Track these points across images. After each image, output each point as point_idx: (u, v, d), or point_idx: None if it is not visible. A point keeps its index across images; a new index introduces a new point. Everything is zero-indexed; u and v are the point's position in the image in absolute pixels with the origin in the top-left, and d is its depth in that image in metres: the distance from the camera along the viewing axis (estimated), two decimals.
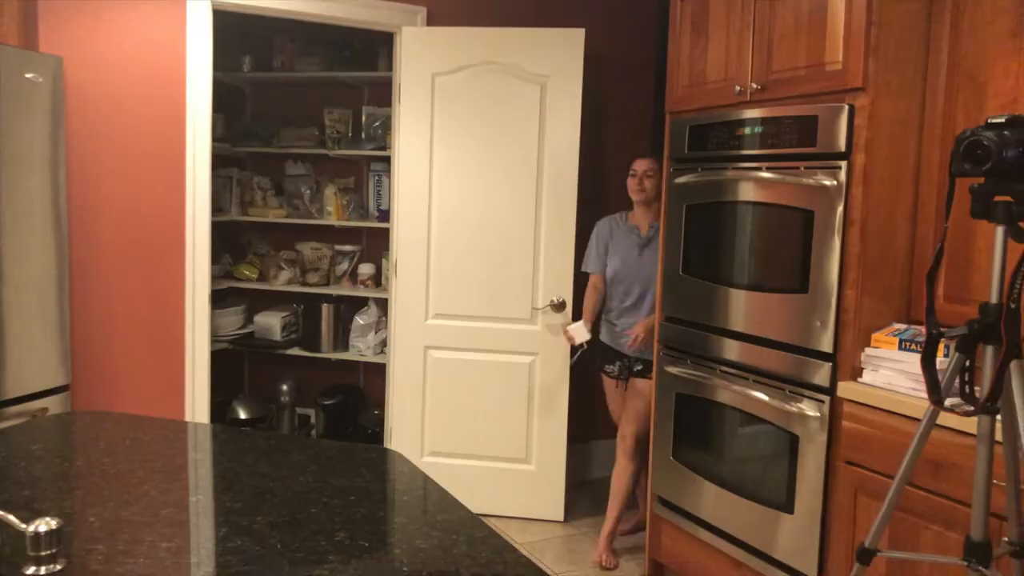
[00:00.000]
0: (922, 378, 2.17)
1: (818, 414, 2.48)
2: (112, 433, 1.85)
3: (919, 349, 2.24)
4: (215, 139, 3.57)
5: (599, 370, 3.67)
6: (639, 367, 3.47)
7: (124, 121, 3.31)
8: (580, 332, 3.53)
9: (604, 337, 3.61)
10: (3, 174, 2.67)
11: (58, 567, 1.15)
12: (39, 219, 2.82)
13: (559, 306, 3.71)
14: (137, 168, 3.35)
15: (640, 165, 3.46)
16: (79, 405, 3.22)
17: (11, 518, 1.15)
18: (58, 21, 3.15)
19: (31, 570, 1.13)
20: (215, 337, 3.97)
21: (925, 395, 2.17)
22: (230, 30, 4.14)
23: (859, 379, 2.41)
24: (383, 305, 4.26)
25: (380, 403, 4.23)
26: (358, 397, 4.52)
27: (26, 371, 2.79)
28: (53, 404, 2.87)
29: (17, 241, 2.73)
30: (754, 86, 2.74)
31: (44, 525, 1.13)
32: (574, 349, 3.64)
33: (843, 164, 2.42)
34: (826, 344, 2.47)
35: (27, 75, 2.73)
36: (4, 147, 2.67)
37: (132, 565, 1.19)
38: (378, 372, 4.40)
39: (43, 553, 1.13)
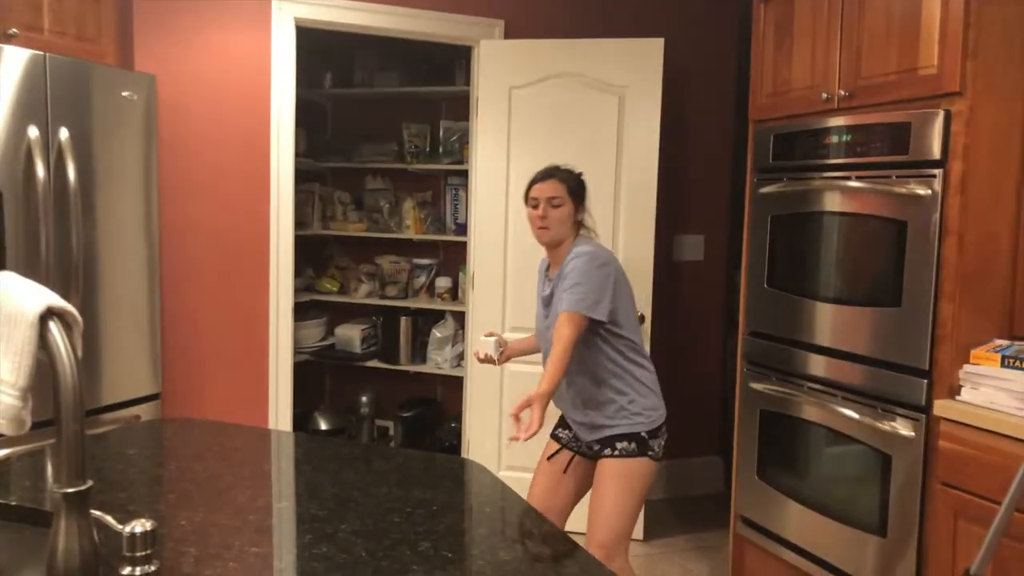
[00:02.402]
0: None
1: (912, 433, 2.37)
2: (201, 439, 1.89)
3: None
4: (298, 154, 3.65)
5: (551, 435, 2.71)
6: (597, 447, 2.48)
7: (212, 137, 3.42)
8: (482, 344, 2.66)
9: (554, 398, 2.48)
10: (100, 189, 2.78)
11: (152, 568, 1.17)
12: (132, 233, 2.92)
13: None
14: (224, 183, 3.46)
15: (540, 190, 2.49)
16: (168, 413, 3.32)
17: (108, 519, 1.18)
18: (152, 40, 3.28)
19: (127, 570, 1.15)
20: (297, 349, 4.04)
21: None
22: (312, 47, 4.24)
23: (957, 397, 2.30)
24: (460, 318, 4.28)
25: (457, 416, 4.24)
26: (435, 410, 4.55)
27: (120, 379, 2.89)
28: (145, 411, 2.96)
29: (111, 255, 2.84)
30: (842, 93, 2.66)
31: (140, 527, 1.16)
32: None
33: (938, 172, 2.32)
34: (921, 360, 2.37)
35: (123, 93, 2.84)
36: (101, 162, 2.78)
37: (222, 569, 1.21)
38: (455, 385, 4.41)
39: (138, 554, 1.16)
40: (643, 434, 2.43)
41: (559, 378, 2.23)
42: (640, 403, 2.46)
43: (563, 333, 2.29)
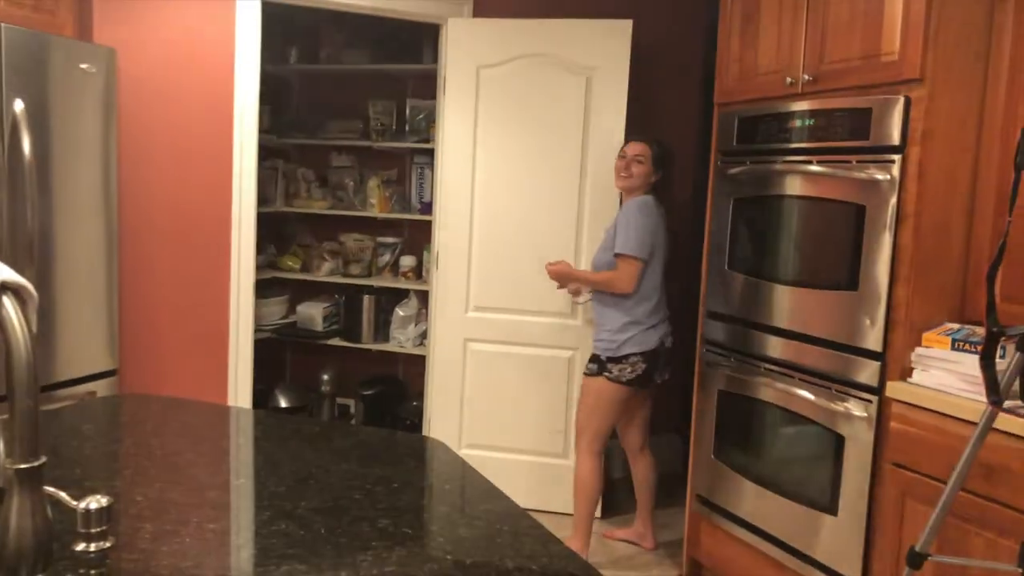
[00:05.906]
0: (975, 379, 2.12)
1: (865, 414, 2.43)
2: (159, 415, 1.87)
3: (973, 350, 2.18)
4: (261, 130, 3.60)
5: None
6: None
7: (174, 112, 3.36)
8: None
9: None
10: (57, 163, 2.72)
11: (107, 544, 1.16)
12: (89, 207, 2.87)
13: None
14: (185, 158, 3.40)
15: (631, 148, 3.27)
16: (125, 390, 3.28)
17: (63, 495, 1.16)
18: (112, 13, 3.20)
19: (81, 546, 1.15)
20: (258, 326, 4.01)
21: (978, 397, 2.12)
22: (277, 21, 4.17)
23: (909, 379, 2.36)
24: (424, 297, 4.27)
25: (419, 394, 4.24)
26: (397, 388, 4.55)
27: (76, 355, 2.84)
28: (101, 388, 2.93)
29: (68, 229, 2.79)
30: (806, 77, 2.69)
31: (95, 503, 1.15)
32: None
33: (897, 158, 2.36)
34: (875, 343, 2.42)
35: (82, 66, 2.78)
36: (58, 135, 2.72)
37: (179, 544, 1.20)
38: (417, 364, 4.41)
39: (93, 530, 1.15)
40: (603, 357, 3.20)
41: (588, 280, 3.28)
42: (609, 330, 3.19)
43: (618, 273, 3.14)
